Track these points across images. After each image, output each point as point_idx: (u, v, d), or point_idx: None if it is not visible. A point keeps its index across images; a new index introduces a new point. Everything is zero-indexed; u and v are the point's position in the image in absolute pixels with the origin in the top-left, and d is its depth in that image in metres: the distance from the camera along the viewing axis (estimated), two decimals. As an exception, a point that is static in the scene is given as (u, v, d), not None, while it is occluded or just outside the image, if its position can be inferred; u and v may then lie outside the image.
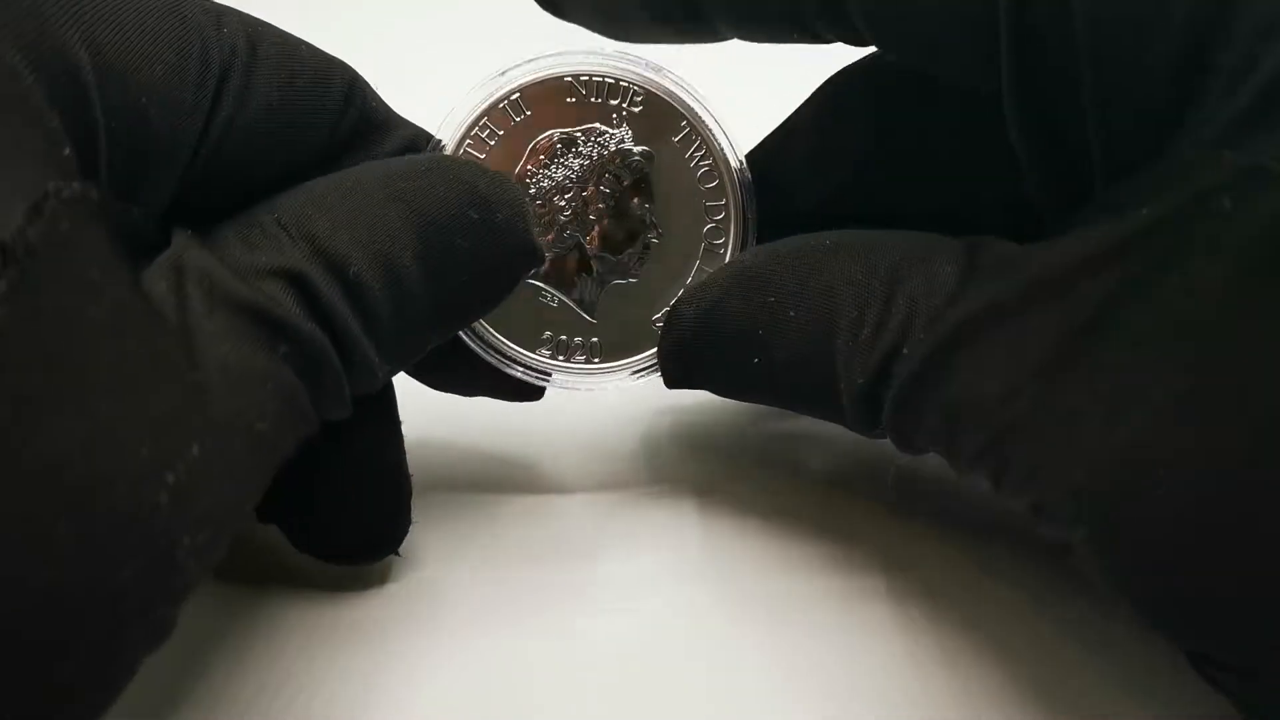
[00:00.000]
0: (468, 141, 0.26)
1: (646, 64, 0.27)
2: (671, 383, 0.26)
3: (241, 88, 0.22)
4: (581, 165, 0.27)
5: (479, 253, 0.24)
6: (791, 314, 0.24)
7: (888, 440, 0.24)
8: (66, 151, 0.18)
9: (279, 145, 0.23)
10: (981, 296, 0.21)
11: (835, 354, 0.23)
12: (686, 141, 0.27)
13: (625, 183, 0.27)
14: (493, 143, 0.26)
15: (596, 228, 0.27)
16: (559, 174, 0.27)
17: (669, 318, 0.26)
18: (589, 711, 0.23)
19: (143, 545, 0.17)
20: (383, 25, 0.49)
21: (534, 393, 0.28)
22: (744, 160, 0.27)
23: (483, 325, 0.26)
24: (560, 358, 0.27)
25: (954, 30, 0.22)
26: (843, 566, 0.26)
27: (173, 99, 0.21)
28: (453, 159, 0.26)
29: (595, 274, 0.27)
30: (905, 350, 0.22)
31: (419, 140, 0.26)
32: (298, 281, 0.21)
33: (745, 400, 0.27)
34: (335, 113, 0.24)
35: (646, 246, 0.27)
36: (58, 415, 0.16)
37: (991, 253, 0.22)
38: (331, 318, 0.21)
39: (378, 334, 0.22)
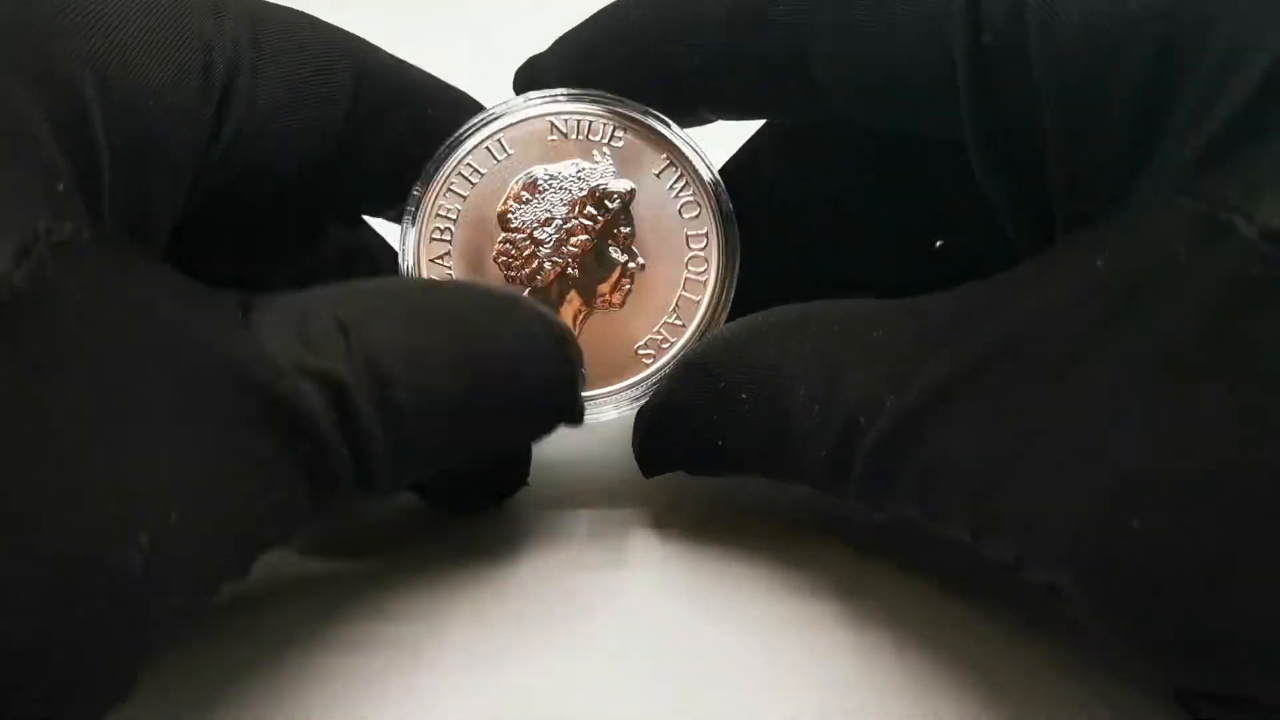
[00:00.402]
0: (452, 181, 0.27)
1: (625, 103, 0.27)
2: (648, 473, 0.28)
3: (248, 87, 0.22)
4: (562, 200, 0.27)
5: (526, 404, 0.24)
6: (743, 397, 0.25)
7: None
8: (62, 186, 0.18)
9: (291, 138, 0.24)
10: (944, 361, 0.21)
11: (791, 431, 0.24)
12: (667, 174, 0.27)
13: (606, 215, 0.27)
14: (475, 180, 0.27)
15: (578, 259, 0.27)
16: (540, 209, 0.27)
17: (637, 414, 0.27)
18: None
19: (109, 607, 0.17)
20: (384, 26, 0.49)
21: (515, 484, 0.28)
22: (725, 193, 0.28)
23: None
24: None
25: (918, 96, 0.23)
26: (803, 593, 0.27)
27: (178, 110, 0.21)
28: (533, 307, 0.25)
29: (578, 304, 0.27)
30: (862, 420, 0.22)
31: (440, 101, 0.26)
32: (342, 393, 0.21)
33: (719, 476, 0.28)
34: (346, 100, 0.24)
35: (629, 276, 0.27)
36: (31, 470, 0.16)
37: (940, 312, 0.22)
38: (363, 440, 0.21)
39: (401, 459, 0.22)
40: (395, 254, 0.28)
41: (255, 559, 0.20)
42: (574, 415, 0.25)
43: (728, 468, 0.27)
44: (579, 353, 0.24)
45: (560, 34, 0.28)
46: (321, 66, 0.24)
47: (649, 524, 0.29)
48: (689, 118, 0.27)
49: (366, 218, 0.30)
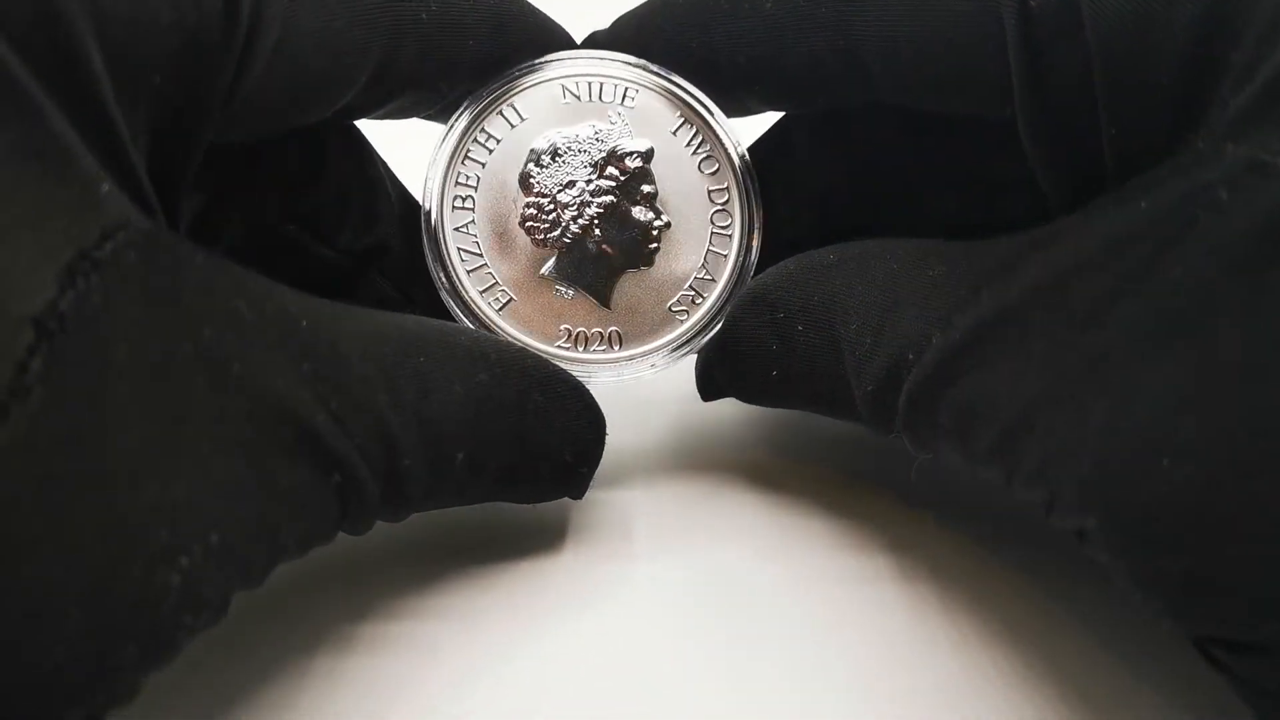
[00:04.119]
0: (469, 149, 0.27)
1: (636, 63, 0.27)
2: (705, 397, 0.28)
3: (278, 22, 0.22)
4: (583, 162, 0.27)
5: (547, 479, 0.25)
6: (799, 328, 0.25)
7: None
8: (106, 188, 0.18)
9: (321, 84, 0.23)
10: (988, 301, 0.21)
11: (843, 363, 0.24)
12: (683, 132, 0.28)
13: (627, 175, 0.27)
14: (492, 147, 0.27)
15: (602, 220, 0.27)
16: (562, 172, 0.27)
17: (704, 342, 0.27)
18: (596, 685, 0.23)
19: (147, 628, 0.17)
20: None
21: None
22: (741, 144, 0.28)
23: (499, 325, 0.26)
24: (580, 349, 0.27)
25: (967, 72, 0.23)
26: (854, 548, 0.26)
27: (198, 51, 0.21)
28: (589, 400, 0.26)
29: (606, 264, 0.27)
30: (910, 356, 0.22)
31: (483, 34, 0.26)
32: (394, 445, 0.21)
33: (772, 406, 0.28)
34: (380, 48, 0.24)
35: (655, 235, 0.27)
36: (80, 499, 0.16)
37: (990, 254, 0.22)
38: (406, 486, 0.22)
39: (429, 502, 0.23)
40: (396, 192, 0.28)
41: (272, 572, 0.20)
42: (579, 495, 0.26)
43: (780, 398, 0.27)
44: (603, 443, 0.26)
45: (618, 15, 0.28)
46: (357, 11, 0.24)
47: (707, 474, 0.29)
48: (736, 108, 0.28)
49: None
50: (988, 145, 0.26)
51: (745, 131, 0.28)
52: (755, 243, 0.27)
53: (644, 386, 0.28)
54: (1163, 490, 0.18)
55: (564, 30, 0.28)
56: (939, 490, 0.27)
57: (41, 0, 0.18)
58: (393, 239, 0.28)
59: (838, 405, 0.25)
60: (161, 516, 0.17)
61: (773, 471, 0.29)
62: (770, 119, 0.29)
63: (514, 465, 0.24)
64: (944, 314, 0.22)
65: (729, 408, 0.29)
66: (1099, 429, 0.19)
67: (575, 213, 0.27)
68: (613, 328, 0.27)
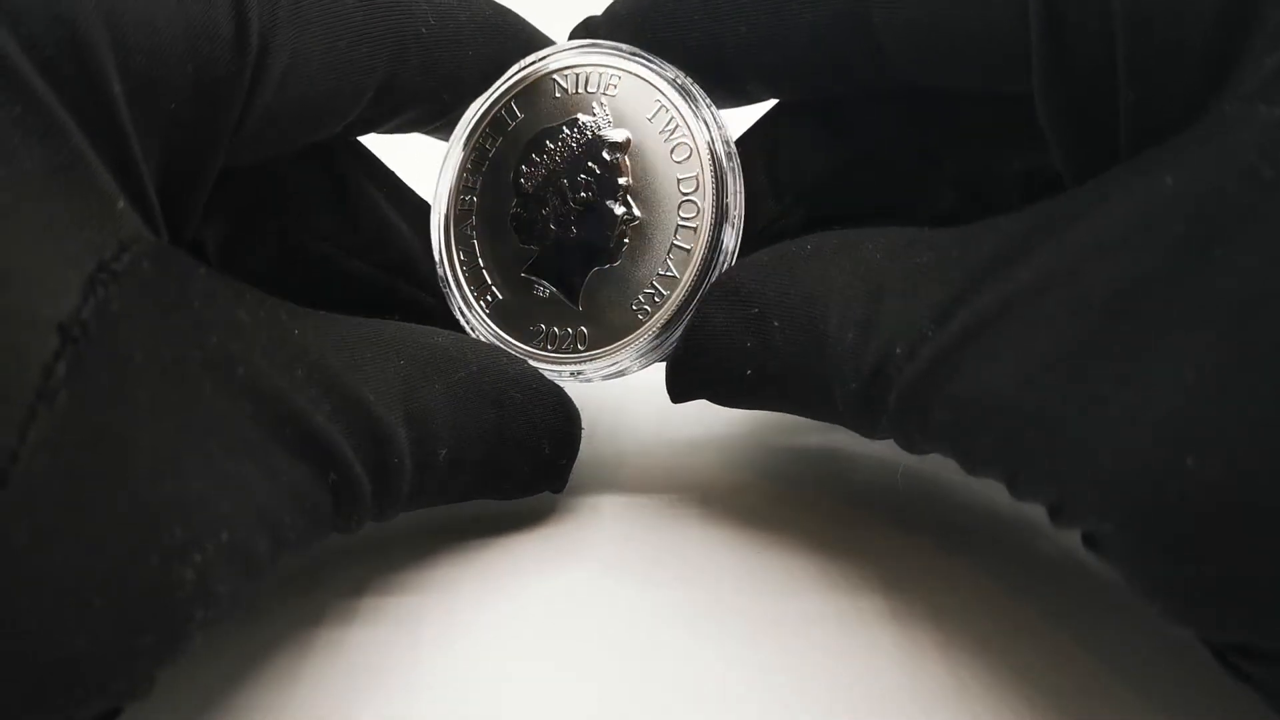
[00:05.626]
0: (472, 152, 0.28)
1: (621, 51, 0.27)
2: (675, 398, 0.27)
3: (289, 44, 0.23)
4: (565, 158, 0.27)
5: (527, 473, 0.27)
6: (775, 324, 0.24)
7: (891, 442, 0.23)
8: (121, 204, 0.19)
9: (328, 103, 0.24)
10: (989, 289, 0.20)
11: (824, 359, 0.23)
12: (659, 120, 0.26)
13: (603, 169, 0.27)
14: (491, 148, 0.28)
15: (578, 216, 0.27)
16: (546, 169, 0.27)
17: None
18: (562, 649, 0.23)
19: (163, 620, 0.18)
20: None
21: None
22: (723, 134, 0.26)
23: (488, 324, 0.27)
24: (549, 348, 0.27)
25: (985, 44, 0.22)
26: (844, 586, 0.24)
27: (210, 74, 0.21)
28: (562, 396, 0.26)
29: (579, 261, 0.27)
30: (899, 350, 0.21)
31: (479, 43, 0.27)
32: (384, 443, 0.22)
33: (747, 408, 0.26)
34: (384, 66, 0.25)
35: (625, 230, 0.27)
36: (101, 496, 0.17)
37: (989, 237, 0.21)
38: (393, 481, 0.23)
39: (416, 500, 0.24)
40: (414, 203, 0.29)
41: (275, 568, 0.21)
42: (558, 489, 0.27)
43: (756, 398, 0.25)
44: (580, 435, 0.27)
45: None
46: (361, 31, 0.24)
47: (691, 505, 0.28)
48: (738, 95, 0.26)
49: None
50: (989, 138, 0.25)
51: (737, 123, 0.27)
52: (726, 237, 0.26)
53: (623, 387, 0.28)
54: (1188, 489, 0.17)
55: (550, 40, 0.28)
56: (939, 508, 0.25)
57: (68, 29, 0.19)
58: (415, 249, 0.29)
59: (819, 405, 0.24)
60: (177, 515, 0.18)
61: (752, 490, 0.27)
62: (762, 109, 0.27)
63: (495, 460, 0.26)
64: (938, 304, 0.20)
65: (707, 411, 0.27)
66: (1118, 424, 0.17)
67: (551, 209, 0.27)
68: (581, 327, 0.27)
